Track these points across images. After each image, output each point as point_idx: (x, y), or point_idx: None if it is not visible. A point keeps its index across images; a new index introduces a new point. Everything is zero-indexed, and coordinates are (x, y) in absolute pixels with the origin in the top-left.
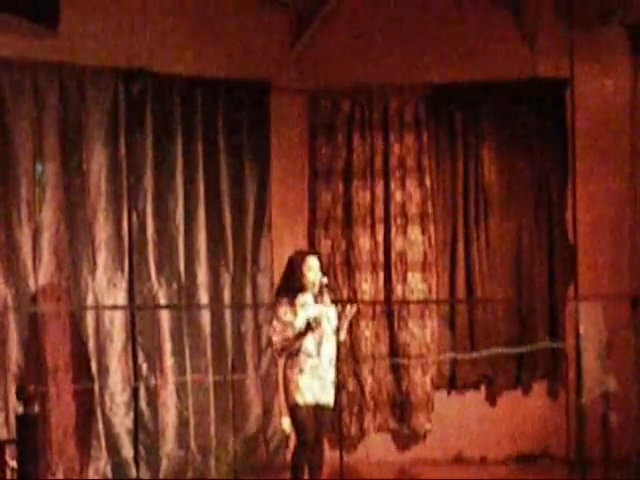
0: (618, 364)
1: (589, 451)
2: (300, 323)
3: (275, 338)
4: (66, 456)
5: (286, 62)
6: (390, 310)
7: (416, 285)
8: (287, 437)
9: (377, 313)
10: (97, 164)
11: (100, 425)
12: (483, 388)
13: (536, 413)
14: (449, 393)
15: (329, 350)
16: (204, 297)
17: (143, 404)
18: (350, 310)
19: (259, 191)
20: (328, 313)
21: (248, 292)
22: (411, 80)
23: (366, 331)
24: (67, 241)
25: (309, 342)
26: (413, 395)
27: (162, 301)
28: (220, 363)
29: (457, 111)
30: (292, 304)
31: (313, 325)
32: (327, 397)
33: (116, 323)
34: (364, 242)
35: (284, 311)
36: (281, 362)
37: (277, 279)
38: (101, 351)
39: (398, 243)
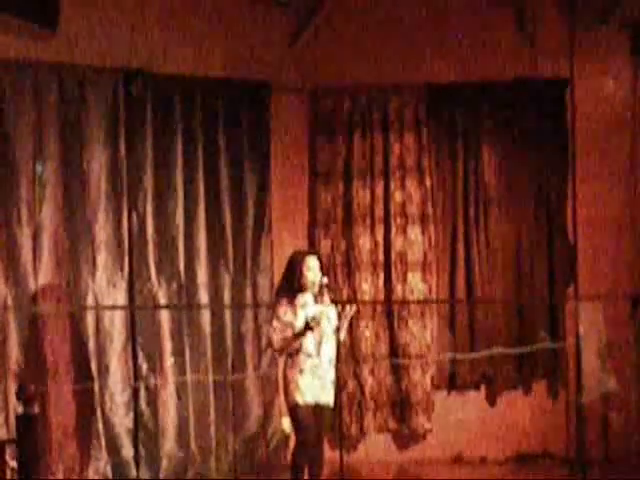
0: (618, 364)
1: (589, 451)
2: (300, 323)
3: (275, 338)
4: (66, 456)
5: (286, 62)
6: (390, 310)
7: (416, 285)
8: (287, 437)
9: (377, 313)
10: (97, 164)
11: (100, 425)
12: (483, 388)
13: (536, 413)
14: (449, 393)
15: (329, 350)
16: (204, 297)
17: (143, 404)
18: (350, 310)
19: (259, 191)
20: (328, 313)
21: (248, 292)
22: (411, 80)
23: (366, 331)
24: (67, 241)
25: (309, 342)
26: (413, 395)
27: (162, 301)
28: (220, 363)
29: (457, 111)
30: (292, 304)
31: (312, 324)
32: (327, 397)
33: (116, 323)
34: (364, 242)
35: (284, 311)
36: (281, 362)
37: (277, 279)
38: (101, 351)
39: (398, 243)
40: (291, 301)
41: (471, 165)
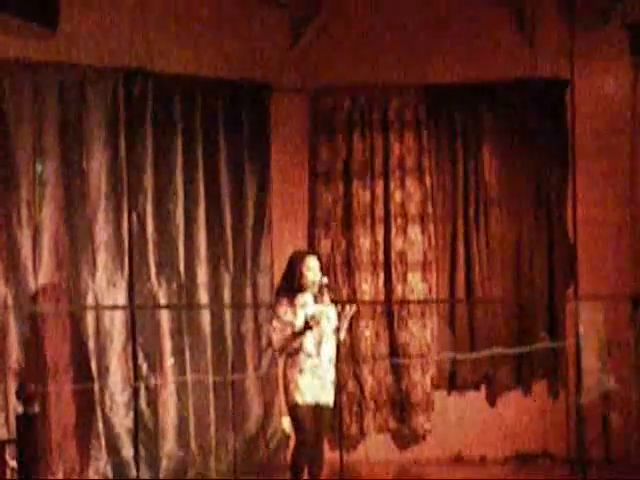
0: (618, 364)
1: (589, 451)
2: (300, 323)
3: (275, 338)
4: (66, 456)
5: (286, 62)
6: (390, 310)
7: (416, 285)
8: (287, 437)
9: (377, 313)
10: (97, 164)
11: (100, 425)
12: (483, 388)
13: (536, 413)
14: (449, 393)
15: (329, 350)
16: (204, 297)
17: (143, 404)
18: (350, 310)
19: (259, 191)
20: (328, 313)
21: (248, 292)
22: (411, 80)
23: (366, 331)
24: (67, 241)
25: (309, 342)
26: (413, 395)
27: (162, 301)
28: (220, 363)
29: (457, 111)
30: (292, 304)
31: (311, 323)
32: (327, 397)
33: (116, 323)
34: (364, 242)
35: (284, 311)
36: (281, 362)
37: (277, 279)
38: (101, 351)
39: (398, 243)
40: (291, 301)
41: (471, 165)
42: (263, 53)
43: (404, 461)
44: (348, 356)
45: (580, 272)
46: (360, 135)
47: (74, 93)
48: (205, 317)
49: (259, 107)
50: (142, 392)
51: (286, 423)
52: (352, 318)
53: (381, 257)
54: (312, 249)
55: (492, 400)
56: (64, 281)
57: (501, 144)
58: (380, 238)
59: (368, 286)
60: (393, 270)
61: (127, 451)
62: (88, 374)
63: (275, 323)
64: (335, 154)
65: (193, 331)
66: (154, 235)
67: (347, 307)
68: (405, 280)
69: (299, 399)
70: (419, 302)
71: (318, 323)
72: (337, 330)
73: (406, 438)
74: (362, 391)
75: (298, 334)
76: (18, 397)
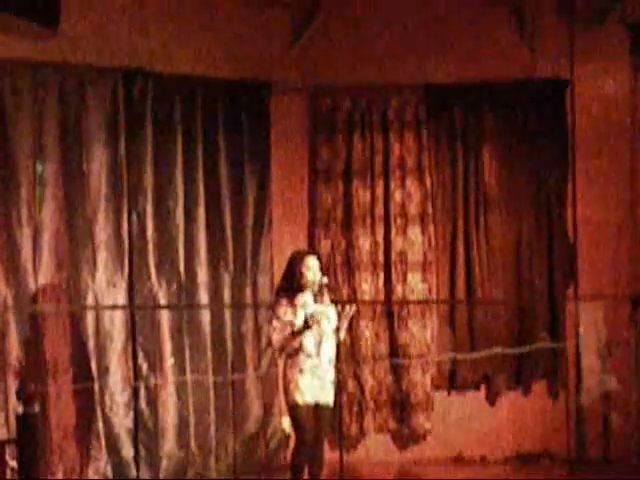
0: (618, 364)
1: (589, 451)
2: (300, 323)
3: (275, 337)
4: (66, 456)
5: (286, 62)
6: (390, 310)
7: (416, 285)
8: (287, 437)
9: (377, 313)
10: (97, 164)
11: (100, 425)
12: (483, 388)
13: (536, 413)
14: (449, 393)
15: (329, 350)
16: (204, 297)
17: (143, 404)
18: (350, 310)
19: (259, 191)
20: (328, 313)
21: (248, 292)
22: (411, 80)
23: (366, 331)
24: (67, 241)
25: (309, 342)
26: (413, 395)
27: (162, 301)
28: (220, 363)
29: (457, 111)
30: (292, 304)
31: (310, 322)
32: (327, 397)
33: (116, 323)
34: (364, 242)
35: (284, 311)
36: (281, 362)
37: (277, 279)
38: (101, 351)
39: (398, 243)
40: (291, 301)
41: (471, 165)
42: (263, 53)
43: (404, 461)
44: (348, 356)
45: (580, 272)
46: (360, 135)
47: (74, 93)
48: (205, 317)
49: (259, 107)
50: (142, 392)
51: (286, 423)
52: (352, 318)
53: (381, 257)
54: (312, 249)
55: (492, 400)
56: (64, 281)
57: (501, 144)
58: (380, 238)
59: (368, 286)
60: (393, 270)
61: (127, 451)
62: (88, 374)
63: (275, 323)
64: (335, 154)
65: (193, 331)
66: (154, 235)
67: (347, 307)
68: (405, 280)
69: (299, 399)
70: (419, 302)
71: (318, 322)
72: (337, 330)
73: (406, 438)
74: (362, 391)
75: (298, 333)
76: (18, 397)
